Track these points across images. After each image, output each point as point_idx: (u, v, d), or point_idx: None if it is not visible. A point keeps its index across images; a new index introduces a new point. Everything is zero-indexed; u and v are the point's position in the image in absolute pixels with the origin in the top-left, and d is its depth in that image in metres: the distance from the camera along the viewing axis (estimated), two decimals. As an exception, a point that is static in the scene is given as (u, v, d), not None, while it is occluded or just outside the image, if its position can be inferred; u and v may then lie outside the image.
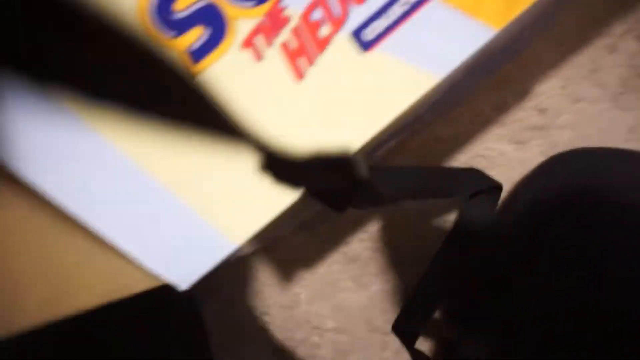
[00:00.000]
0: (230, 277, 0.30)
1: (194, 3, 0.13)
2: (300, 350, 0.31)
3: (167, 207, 0.14)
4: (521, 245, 0.23)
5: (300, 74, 0.14)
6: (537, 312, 0.21)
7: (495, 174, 0.27)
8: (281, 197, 0.14)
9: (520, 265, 0.23)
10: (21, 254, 0.14)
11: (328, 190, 0.15)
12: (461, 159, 0.29)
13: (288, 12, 0.14)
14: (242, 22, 0.14)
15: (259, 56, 0.14)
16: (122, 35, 0.09)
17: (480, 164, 0.29)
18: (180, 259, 0.14)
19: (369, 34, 0.14)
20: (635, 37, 0.28)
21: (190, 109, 0.11)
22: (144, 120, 0.10)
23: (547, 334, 0.20)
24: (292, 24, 0.14)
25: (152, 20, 0.13)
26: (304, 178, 0.14)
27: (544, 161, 0.28)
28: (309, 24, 0.14)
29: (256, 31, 0.14)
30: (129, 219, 0.14)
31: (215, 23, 0.13)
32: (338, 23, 0.14)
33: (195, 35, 0.13)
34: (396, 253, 0.30)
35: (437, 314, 0.29)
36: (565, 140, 0.29)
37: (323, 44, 0.14)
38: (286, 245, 0.30)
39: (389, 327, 0.26)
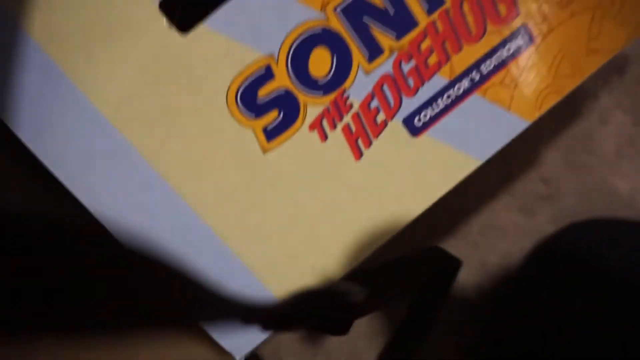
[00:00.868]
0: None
1: (275, 90, 0.15)
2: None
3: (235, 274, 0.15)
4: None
5: (358, 154, 0.16)
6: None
7: (507, 244, 0.29)
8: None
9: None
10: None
11: (326, 324, 0.16)
12: (473, 230, 0.31)
13: (350, 101, 0.16)
14: (311, 108, 0.16)
15: (323, 137, 0.16)
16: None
17: (492, 234, 0.31)
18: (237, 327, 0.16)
19: (418, 121, 0.16)
20: (623, 110, 0.31)
21: None
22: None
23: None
24: (353, 110, 0.16)
25: (237, 102, 0.15)
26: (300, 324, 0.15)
27: (550, 233, 0.30)
28: (367, 112, 0.16)
29: (322, 115, 0.16)
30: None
31: (290, 108, 0.15)
32: (392, 111, 0.16)
33: (272, 117, 0.15)
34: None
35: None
36: (569, 207, 0.31)
37: (379, 128, 0.16)
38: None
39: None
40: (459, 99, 0.17)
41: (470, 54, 0.16)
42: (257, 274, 0.16)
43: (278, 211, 0.16)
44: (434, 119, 0.16)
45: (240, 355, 0.16)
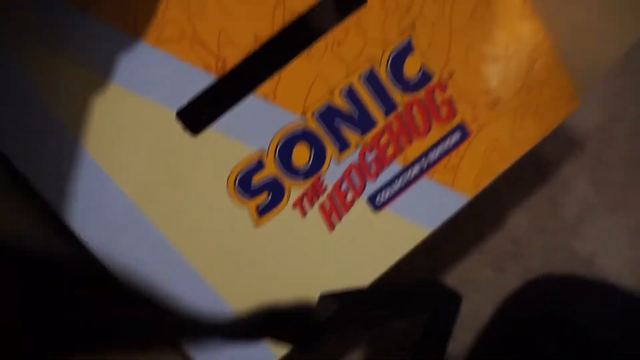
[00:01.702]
0: None
1: (265, 177, 0.20)
2: None
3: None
4: None
5: (331, 227, 0.20)
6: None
7: (479, 297, 0.32)
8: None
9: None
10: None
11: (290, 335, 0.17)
12: (450, 283, 0.35)
13: (325, 184, 0.20)
14: (294, 190, 0.20)
15: (303, 213, 0.20)
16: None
17: (466, 288, 0.35)
18: None
19: (379, 200, 0.21)
20: (587, 179, 0.35)
21: None
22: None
23: None
24: (327, 191, 0.20)
25: (236, 187, 0.19)
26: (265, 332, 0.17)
27: (518, 287, 0.34)
28: (338, 192, 0.20)
29: (303, 196, 0.20)
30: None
31: (277, 190, 0.20)
32: (358, 192, 0.20)
33: (262, 198, 0.20)
34: None
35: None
36: (536, 266, 0.35)
37: (348, 205, 0.20)
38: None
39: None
40: (411, 181, 0.21)
41: (419, 145, 0.21)
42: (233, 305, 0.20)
43: (267, 269, 0.20)
44: (392, 197, 0.21)
45: None
